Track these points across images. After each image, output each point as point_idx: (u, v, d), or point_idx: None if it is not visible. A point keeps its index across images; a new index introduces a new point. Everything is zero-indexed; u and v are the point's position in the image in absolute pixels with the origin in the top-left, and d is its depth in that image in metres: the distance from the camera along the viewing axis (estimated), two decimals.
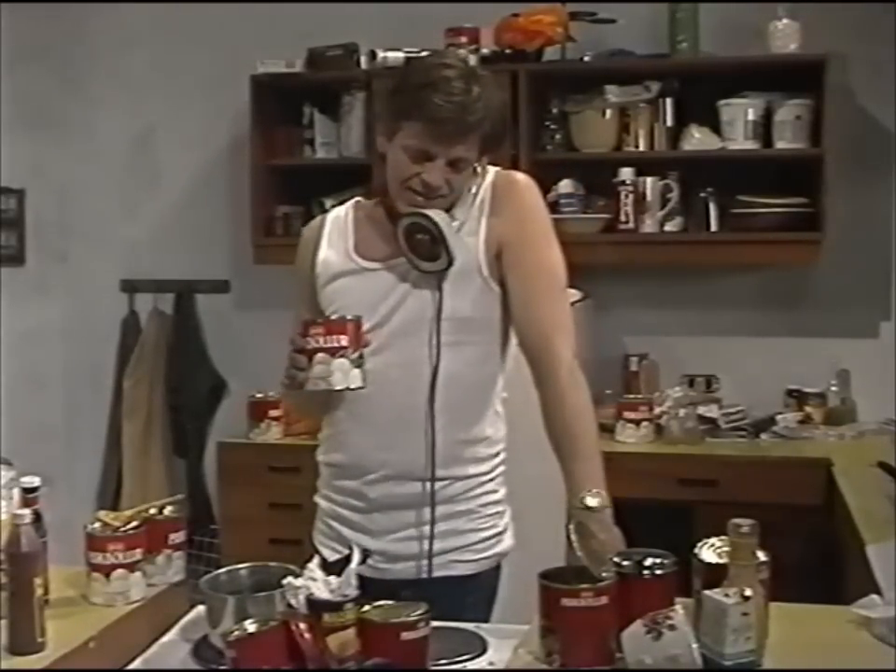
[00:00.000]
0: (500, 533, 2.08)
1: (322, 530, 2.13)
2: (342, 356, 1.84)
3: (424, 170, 1.94)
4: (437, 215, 1.95)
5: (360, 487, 2.03)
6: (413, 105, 1.92)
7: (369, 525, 2.04)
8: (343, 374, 1.85)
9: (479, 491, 2.05)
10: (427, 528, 2.01)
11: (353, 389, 1.88)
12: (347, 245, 2.08)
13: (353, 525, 2.06)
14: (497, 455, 2.09)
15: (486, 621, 1.99)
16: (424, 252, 1.97)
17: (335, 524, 2.09)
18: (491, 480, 2.07)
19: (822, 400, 3.83)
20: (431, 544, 2.01)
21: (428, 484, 1.99)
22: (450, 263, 1.96)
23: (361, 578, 1.59)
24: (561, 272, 2.04)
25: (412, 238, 1.97)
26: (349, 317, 1.89)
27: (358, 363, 1.86)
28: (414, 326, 1.99)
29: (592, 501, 1.80)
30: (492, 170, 2.05)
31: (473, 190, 2.02)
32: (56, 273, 4.50)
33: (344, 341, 1.85)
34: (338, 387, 1.86)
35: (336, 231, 2.12)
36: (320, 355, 1.85)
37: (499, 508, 2.09)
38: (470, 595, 2.01)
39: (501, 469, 2.10)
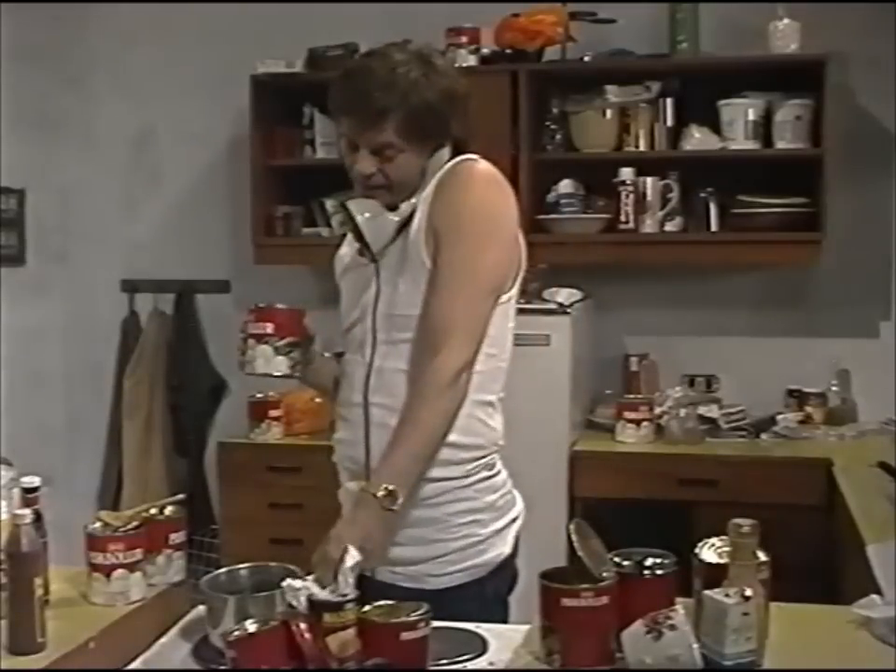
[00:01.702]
0: (479, 542, 1.93)
1: None
2: (265, 342, 1.96)
3: (354, 160, 1.94)
4: (355, 205, 1.95)
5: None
6: (330, 97, 1.96)
7: None
8: (264, 360, 1.96)
9: (448, 498, 1.91)
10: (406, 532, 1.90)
11: (277, 376, 1.98)
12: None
13: None
14: (472, 460, 1.92)
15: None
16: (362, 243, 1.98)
17: None
18: (466, 486, 1.92)
19: (822, 400, 3.84)
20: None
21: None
22: (373, 257, 1.94)
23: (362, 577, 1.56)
24: (481, 272, 1.86)
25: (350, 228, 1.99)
26: (279, 306, 1.98)
27: (285, 351, 1.96)
28: (365, 322, 1.96)
29: (381, 493, 1.75)
30: (453, 161, 1.94)
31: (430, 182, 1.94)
32: (56, 273, 4.49)
33: (270, 328, 1.96)
34: (259, 371, 1.97)
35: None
36: (250, 340, 1.98)
37: (479, 516, 1.93)
38: (454, 608, 1.78)
39: (482, 474, 1.94)
